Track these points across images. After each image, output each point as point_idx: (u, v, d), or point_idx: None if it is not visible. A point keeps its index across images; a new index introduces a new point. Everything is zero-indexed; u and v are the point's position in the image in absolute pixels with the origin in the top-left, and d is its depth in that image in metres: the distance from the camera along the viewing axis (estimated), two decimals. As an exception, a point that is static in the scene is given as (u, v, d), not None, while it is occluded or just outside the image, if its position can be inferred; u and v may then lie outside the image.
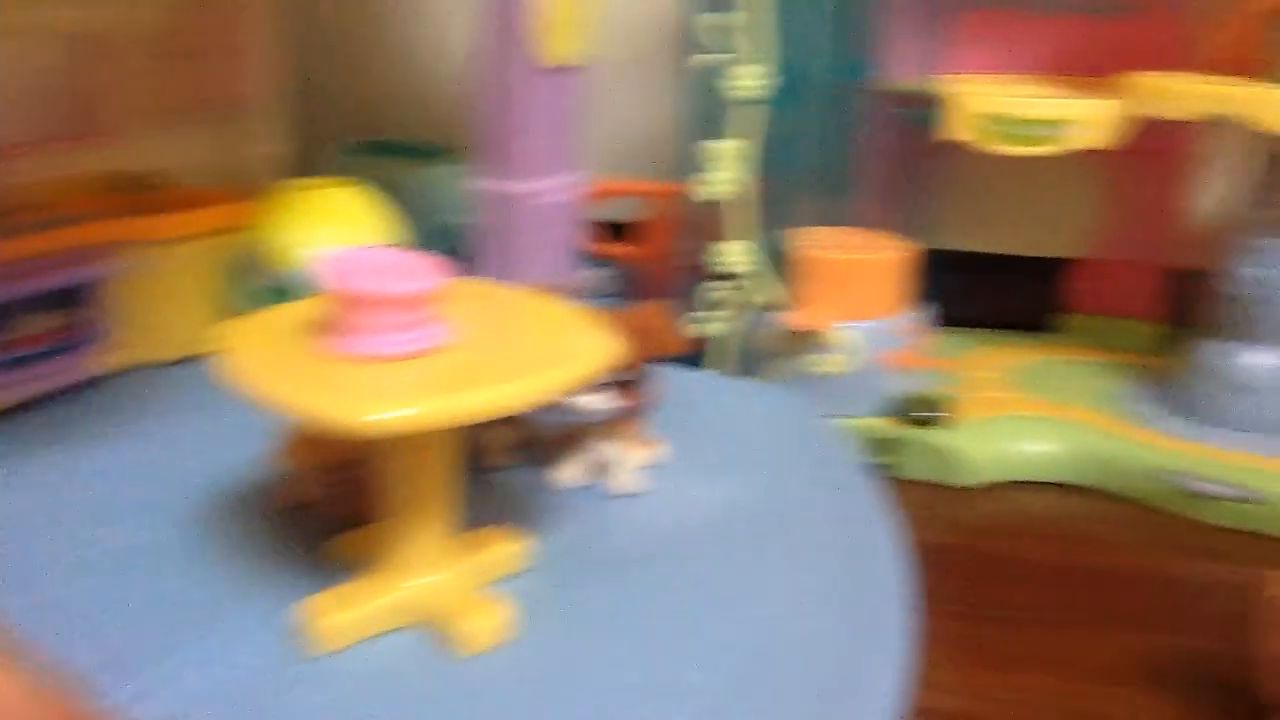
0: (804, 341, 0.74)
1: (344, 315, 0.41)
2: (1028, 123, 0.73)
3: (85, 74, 0.75)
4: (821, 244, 0.78)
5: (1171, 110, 0.70)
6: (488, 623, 0.43)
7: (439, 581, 0.45)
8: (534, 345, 0.45)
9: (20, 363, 0.64)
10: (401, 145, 0.96)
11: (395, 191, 0.80)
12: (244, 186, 0.82)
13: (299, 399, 0.39)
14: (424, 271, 0.42)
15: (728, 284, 0.77)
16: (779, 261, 0.77)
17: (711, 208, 0.76)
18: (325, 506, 0.51)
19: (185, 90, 0.77)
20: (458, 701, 0.41)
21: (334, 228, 0.69)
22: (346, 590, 0.45)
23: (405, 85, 1.12)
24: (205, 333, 0.71)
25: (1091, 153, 0.74)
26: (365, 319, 0.41)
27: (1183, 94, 0.69)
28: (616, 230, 0.97)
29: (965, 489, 0.72)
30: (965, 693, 0.51)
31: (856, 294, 0.75)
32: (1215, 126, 0.72)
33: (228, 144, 0.83)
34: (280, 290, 0.75)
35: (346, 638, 0.43)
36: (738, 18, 0.72)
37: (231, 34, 0.78)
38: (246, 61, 0.80)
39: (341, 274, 0.41)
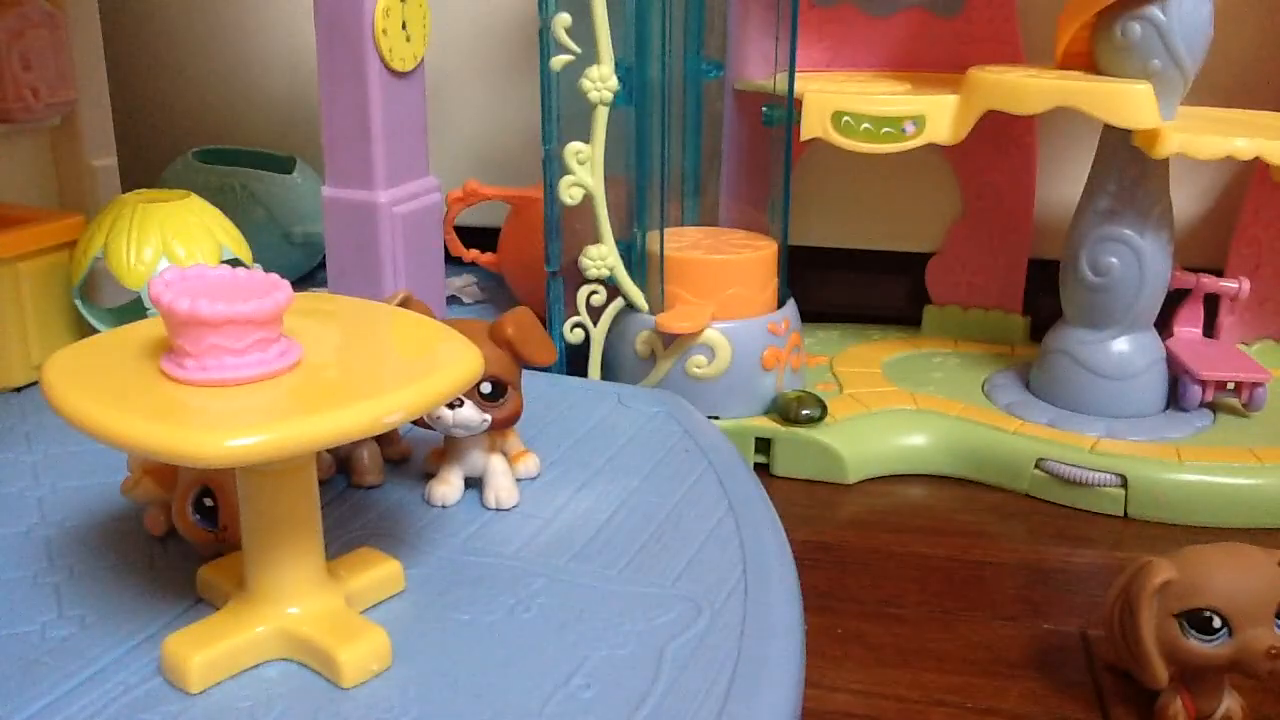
0: (676, 343, 0.73)
1: (185, 337, 0.38)
2: (878, 120, 0.74)
3: None
4: (689, 244, 0.78)
5: (1015, 104, 0.71)
6: (365, 650, 0.41)
7: (310, 610, 0.42)
8: (392, 360, 0.43)
9: None
10: (248, 154, 0.93)
11: (242, 201, 0.77)
12: (77, 200, 0.77)
13: (135, 430, 0.36)
14: (269, 288, 0.40)
15: (596, 287, 0.76)
16: (647, 263, 0.76)
17: (574, 210, 0.74)
18: (185, 535, 0.48)
19: (19, 100, 0.72)
20: (332, 737, 0.39)
21: (175, 241, 0.66)
22: (214, 623, 0.42)
23: (250, 93, 1.07)
24: (43, 359, 0.68)
25: (944, 147, 0.75)
26: (208, 340, 0.38)
27: (1025, 88, 0.71)
28: (481, 236, 0.94)
29: (844, 486, 0.72)
30: (861, 691, 0.51)
31: (726, 294, 0.74)
32: (1059, 119, 0.74)
33: (55, 157, 0.79)
34: (122, 309, 0.71)
35: (215, 675, 0.41)
36: (593, 18, 0.70)
37: (40, 41, 0.73)
38: (66, 70, 0.75)
39: (181, 293, 0.38)
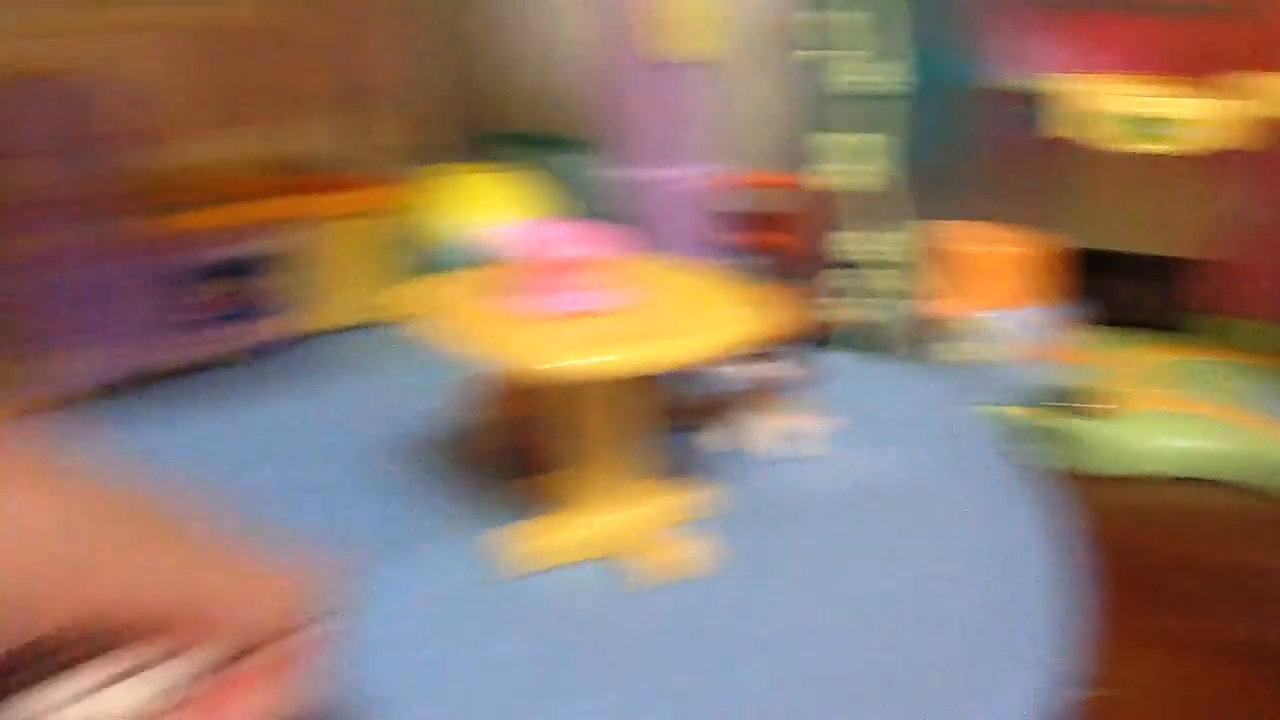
0: (944, 329, 0.76)
1: (535, 276, 0.45)
2: (1149, 121, 0.74)
3: (233, 66, 0.81)
4: (958, 237, 0.80)
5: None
6: (669, 558, 0.47)
7: (625, 519, 0.49)
8: (695, 310, 0.49)
9: (196, 326, 0.70)
10: (535, 137, 1.01)
11: (539, 181, 0.85)
12: (387, 171, 0.87)
13: (495, 350, 0.43)
14: (597, 240, 0.46)
15: (868, 272, 0.80)
16: (919, 253, 0.79)
17: (850, 199, 0.78)
18: (513, 454, 0.56)
19: (331, 81, 0.82)
20: (636, 626, 0.45)
21: (489, 208, 0.74)
22: (538, 524, 0.49)
23: (537, 80, 1.17)
24: (365, 304, 0.77)
25: (1212, 152, 0.75)
26: (549, 281, 0.45)
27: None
28: (759, 221, 1.00)
29: (1113, 479, 0.72)
30: (1119, 676, 0.52)
31: (995, 285, 0.76)
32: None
33: (370, 132, 0.88)
34: (438, 264, 0.80)
35: (537, 565, 0.47)
36: (871, 16, 0.74)
37: (369, 30, 0.83)
38: (385, 56, 0.85)
39: (534, 239, 0.45)
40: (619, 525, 0.49)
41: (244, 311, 0.72)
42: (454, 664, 0.42)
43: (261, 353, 0.73)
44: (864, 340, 0.81)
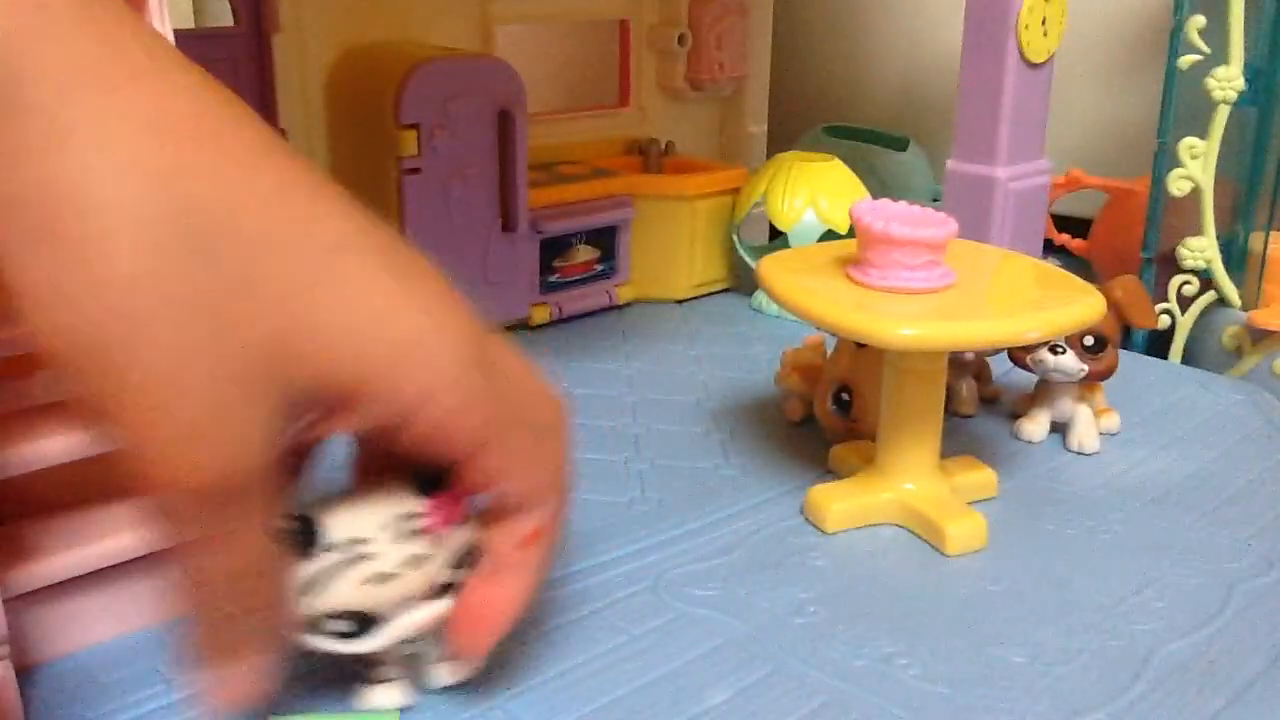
0: (1266, 340, 0.75)
1: (875, 251, 0.49)
2: None
3: (609, 55, 0.90)
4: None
5: None
6: (968, 529, 0.50)
7: (925, 489, 0.52)
8: (1030, 292, 0.52)
9: (571, 284, 0.79)
10: (867, 131, 1.05)
11: (861, 173, 0.88)
12: (735, 156, 0.94)
13: (834, 315, 0.48)
14: (941, 221, 0.50)
15: (1189, 278, 0.79)
16: (1246, 260, 0.78)
17: (1175, 204, 0.78)
18: (822, 422, 0.61)
19: (690, 72, 0.89)
20: (933, 587, 0.48)
21: (820, 195, 0.79)
22: (847, 485, 0.53)
23: (871, 77, 1.20)
24: (705, 278, 0.84)
25: None
26: (892, 256, 0.49)
27: None
28: (1071, 224, 1.00)
29: None
30: None
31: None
32: None
33: (723, 120, 0.95)
34: (766, 247, 0.86)
35: (846, 523, 0.52)
36: (1229, 20, 0.74)
37: (730, 25, 0.89)
38: (742, 50, 0.91)
39: (877, 217, 0.49)
40: (919, 494, 0.52)
41: (601, 275, 0.81)
42: (750, 601, 0.47)
43: (609, 314, 0.81)
44: (1183, 346, 0.80)
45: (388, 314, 0.30)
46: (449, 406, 0.31)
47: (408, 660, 0.37)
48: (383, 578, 0.33)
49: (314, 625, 0.34)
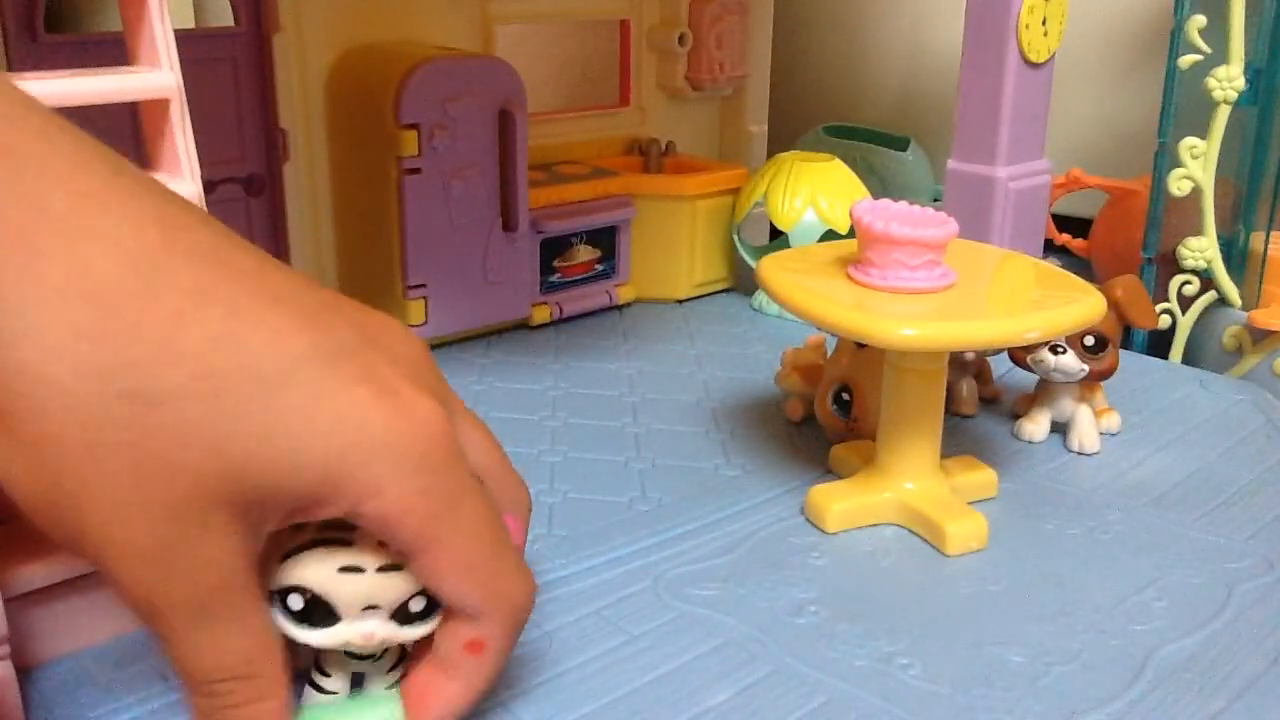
0: (1267, 340, 0.75)
1: (875, 251, 0.49)
2: None
3: (609, 55, 0.90)
4: (1294, 246, 0.78)
5: None
6: (968, 529, 0.50)
7: (925, 489, 0.52)
8: (1030, 292, 0.52)
9: (572, 284, 0.79)
10: (867, 131, 1.05)
11: (861, 173, 0.89)
12: (735, 156, 0.94)
13: (834, 315, 0.48)
14: (941, 221, 0.50)
15: (1189, 278, 0.79)
16: (1246, 260, 0.78)
17: (1174, 204, 0.78)
18: (822, 422, 0.61)
19: (690, 72, 0.89)
20: (933, 587, 0.48)
21: (820, 195, 0.79)
22: (847, 485, 0.53)
23: (871, 78, 1.20)
24: (705, 278, 0.84)
25: None
26: (892, 255, 0.49)
27: None
28: (1071, 224, 1.00)
29: None
30: None
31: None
32: None
33: (723, 120, 0.95)
34: (766, 247, 0.86)
35: (846, 522, 0.52)
36: (1229, 20, 0.74)
37: (730, 25, 0.89)
38: (742, 50, 0.91)
39: (877, 216, 0.49)
40: (920, 494, 0.52)
41: (601, 276, 0.81)
42: (750, 601, 0.47)
43: (609, 314, 0.81)
44: (1182, 346, 0.80)
45: (332, 422, 0.30)
46: (391, 504, 0.31)
47: (352, 677, 0.37)
48: (356, 572, 0.33)
49: (276, 596, 0.34)
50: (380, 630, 0.34)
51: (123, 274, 0.28)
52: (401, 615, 0.34)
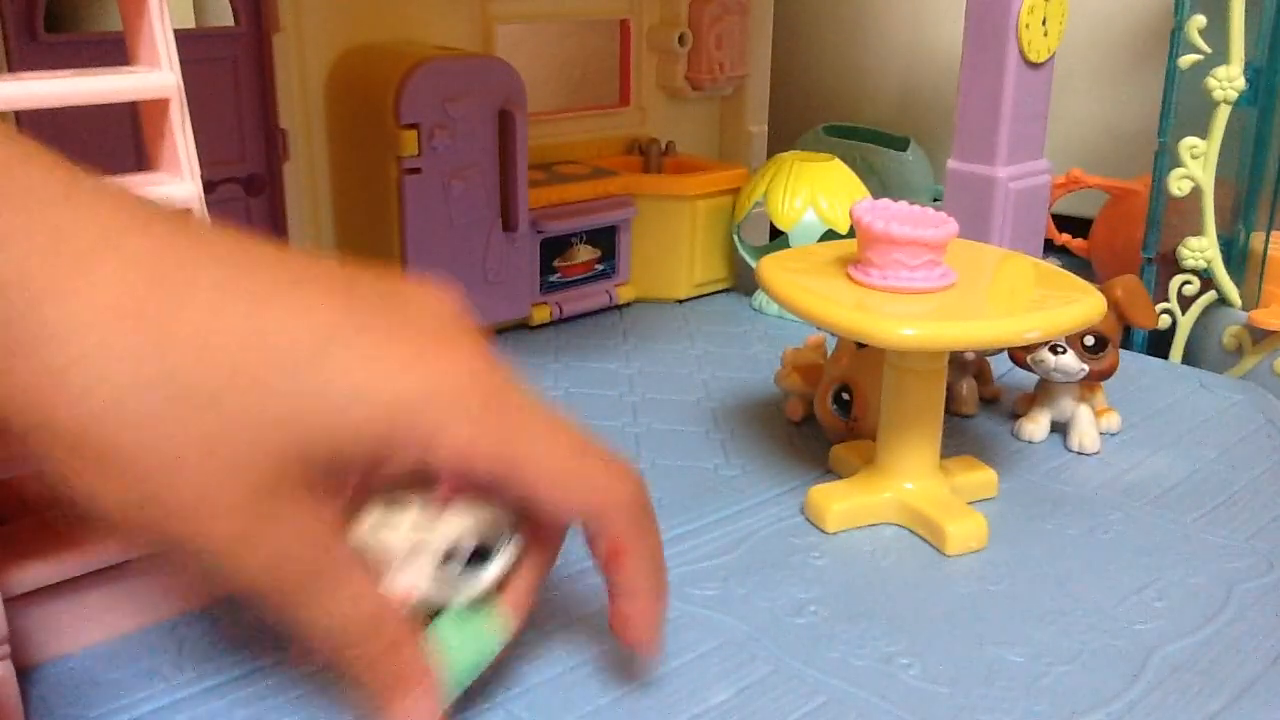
0: (1267, 340, 0.75)
1: (875, 251, 0.49)
2: None
3: (609, 55, 0.90)
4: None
5: None
6: (968, 529, 0.50)
7: (925, 489, 0.52)
8: (1030, 292, 0.52)
9: (572, 284, 0.79)
10: (867, 131, 1.05)
11: (861, 172, 0.89)
12: (735, 156, 0.94)
13: (834, 314, 0.48)
14: (941, 221, 0.50)
15: (1189, 278, 0.79)
16: (1246, 260, 0.78)
17: (1174, 203, 0.78)
18: (822, 422, 0.61)
19: (690, 72, 0.89)
20: (933, 587, 0.48)
21: (820, 195, 0.78)
22: (847, 485, 0.53)
23: (872, 79, 1.20)
24: (705, 278, 0.84)
25: None
26: (892, 255, 0.49)
27: None
28: (1071, 223, 1.00)
29: None
30: None
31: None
32: None
33: (723, 120, 0.95)
34: (766, 247, 0.86)
35: (846, 522, 0.52)
36: (1229, 20, 0.74)
37: (730, 25, 0.89)
38: (742, 50, 0.91)
39: (878, 216, 0.49)
40: (920, 494, 0.52)
41: (601, 276, 0.81)
42: (750, 601, 0.47)
43: (609, 314, 0.81)
44: (1182, 346, 0.80)
45: (375, 383, 0.31)
46: (457, 437, 0.32)
47: None
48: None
49: None
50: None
51: (149, 288, 0.29)
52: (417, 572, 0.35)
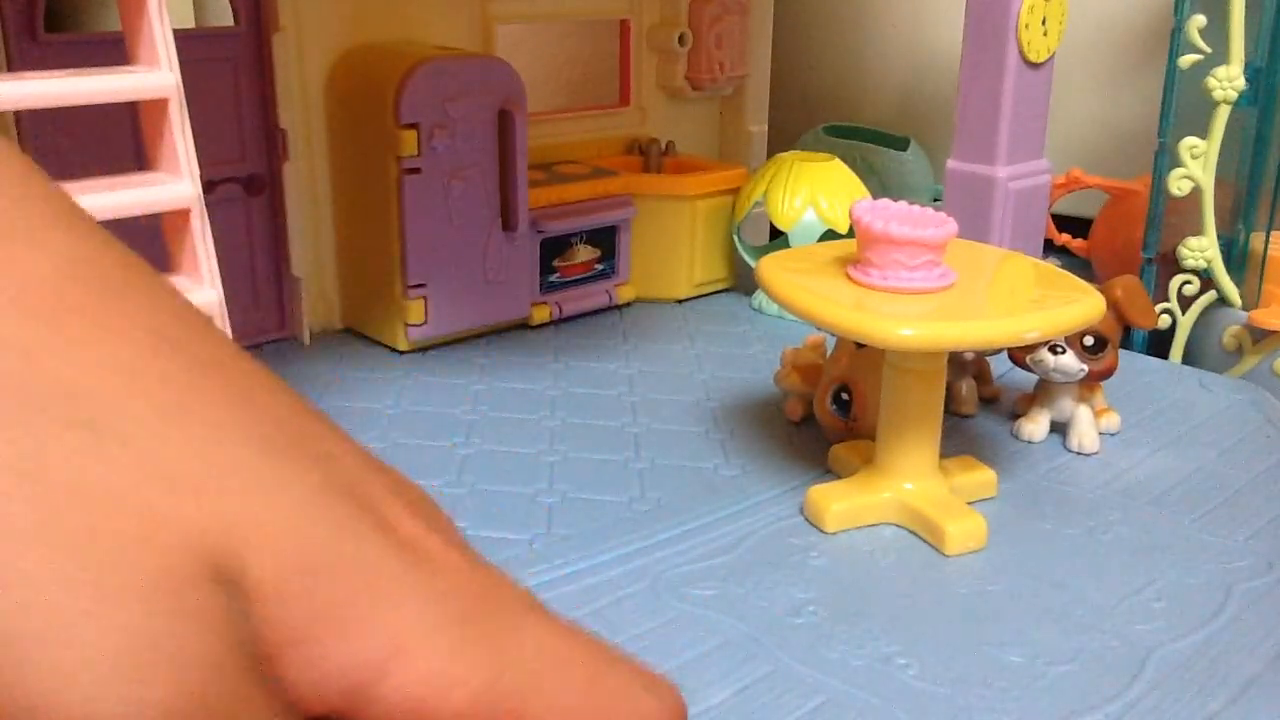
0: (1267, 340, 0.75)
1: (875, 251, 0.49)
2: None
3: (609, 55, 0.90)
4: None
5: None
6: (968, 529, 0.50)
7: (924, 489, 0.52)
8: (1030, 292, 0.52)
9: (571, 284, 0.79)
10: (868, 131, 1.05)
11: (861, 172, 0.89)
12: (735, 156, 0.94)
13: (834, 315, 0.48)
14: (940, 221, 0.50)
15: (1189, 278, 0.79)
16: (1246, 260, 0.78)
17: (1174, 204, 0.78)
18: (821, 422, 0.61)
19: (690, 72, 0.89)
20: (933, 587, 0.48)
21: (820, 195, 0.79)
22: (846, 485, 0.53)
23: (872, 79, 1.20)
24: (705, 278, 0.84)
25: None
26: (892, 256, 0.49)
27: None
28: (1071, 223, 1.00)
29: None
30: None
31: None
32: None
33: (723, 120, 0.95)
34: (766, 246, 0.86)
35: (846, 522, 0.52)
36: (1229, 20, 0.74)
37: (730, 25, 0.89)
38: (742, 49, 0.91)
39: (877, 216, 0.49)
40: (919, 494, 0.52)
41: (601, 275, 0.81)
42: (748, 601, 0.47)
43: (609, 314, 0.81)
44: (1182, 346, 0.80)
45: None
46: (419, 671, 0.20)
47: None
48: None
49: None
50: None
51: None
52: None
